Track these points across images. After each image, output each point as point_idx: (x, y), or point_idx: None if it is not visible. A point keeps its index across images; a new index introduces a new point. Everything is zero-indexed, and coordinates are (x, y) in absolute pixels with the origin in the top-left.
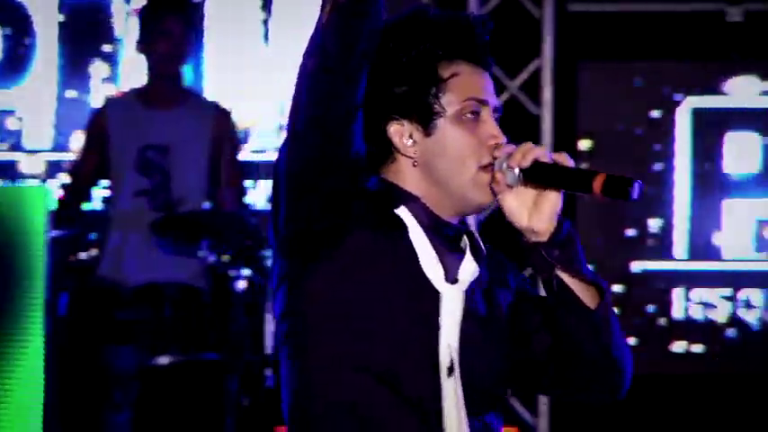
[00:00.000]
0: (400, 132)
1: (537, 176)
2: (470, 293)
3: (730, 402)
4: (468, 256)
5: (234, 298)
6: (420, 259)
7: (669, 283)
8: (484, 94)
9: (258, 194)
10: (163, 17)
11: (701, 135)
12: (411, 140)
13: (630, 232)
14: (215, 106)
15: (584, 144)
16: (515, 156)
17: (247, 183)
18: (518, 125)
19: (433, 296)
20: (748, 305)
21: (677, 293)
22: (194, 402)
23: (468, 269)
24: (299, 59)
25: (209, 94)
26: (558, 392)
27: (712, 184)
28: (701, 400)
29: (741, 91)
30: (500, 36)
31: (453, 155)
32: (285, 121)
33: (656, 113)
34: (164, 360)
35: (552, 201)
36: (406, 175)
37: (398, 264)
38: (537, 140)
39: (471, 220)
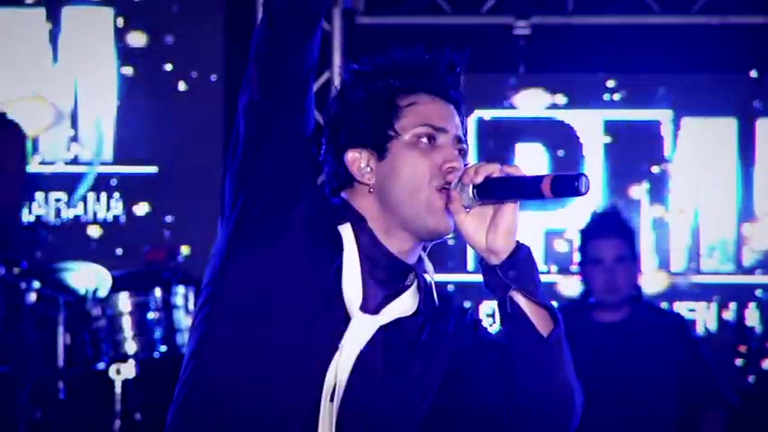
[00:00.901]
0: (357, 160)
1: (490, 192)
2: (391, 330)
3: None
4: (407, 295)
5: (24, 311)
6: (343, 280)
7: (464, 296)
8: (441, 121)
9: (49, 207)
10: None
11: (490, 148)
12: (368, 168)
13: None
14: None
15: None
16: (468, 173)
17: (37, 195)
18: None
19: (344, 320)
20: None
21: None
22: None
23: (399, 307)
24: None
25: None
26: (508, 426)
27: None
28: None
29: (528, 104)
30: None
31: (406, 178)
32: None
33: None
34: None
35: (508, 217)
36: (361, 200)
37: (323, 279)
38: None
39: (426, 261)
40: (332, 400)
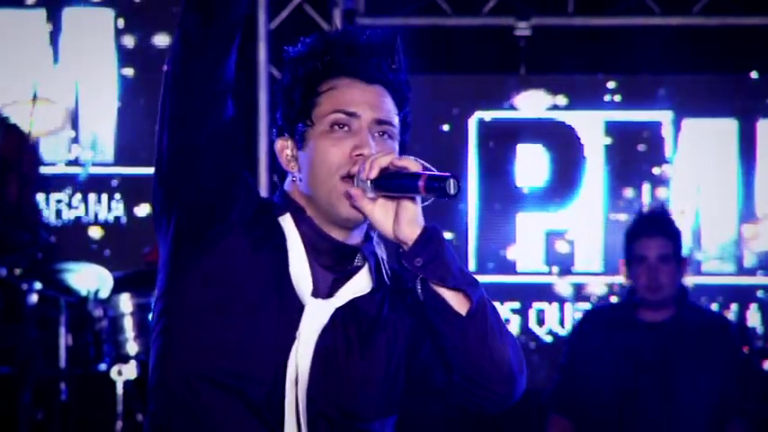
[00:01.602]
0: (283, 148)
1: (383, 186)
2: (348, 311)
3: None
4: (359, 276)
5: (25, 312)
6: (290, 270)
7: None
8: (354, 106)
9: (49, 208)
10: None
11: (491, 149)
12: (292, 156)
13: None
14: (4, 124)
15: None
16: (365, 167)
17: (38, 196)
18: None
19: (298, 308)
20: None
21: None
22: None
23: (352, 288)
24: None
25: None
26: (457, 401)
27: (504, 197)
28: None
29: (529, 105)
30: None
31: (317, 166)
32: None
33: (446, 127)
34: None
35: (408, 208)
36: (294, 189)
37: (271, 272)
38: None
39: (376, 239)
40: (296, 386)
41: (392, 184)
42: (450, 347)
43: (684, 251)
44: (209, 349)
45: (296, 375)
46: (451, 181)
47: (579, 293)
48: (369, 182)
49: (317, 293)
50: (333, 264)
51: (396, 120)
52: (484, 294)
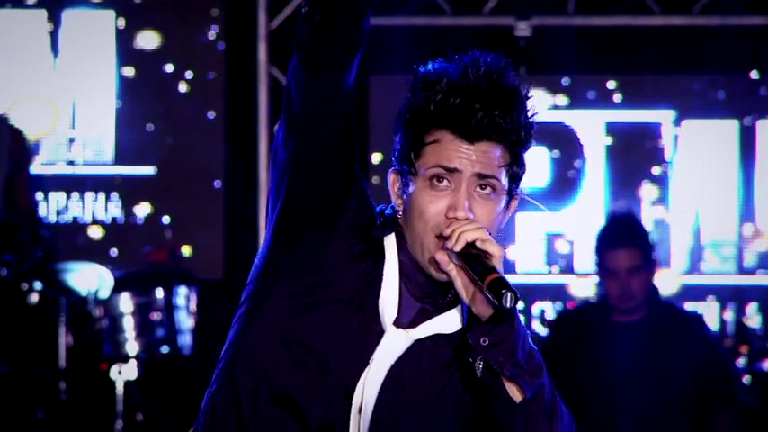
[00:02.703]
0: (394, 182)
1: (464, 262)
2: (428, 346)
3: None
4: (449, 313)
5: (26, 311)
6: (381, 293)
7: None
8: (456, 162)
9: (50, 207)
10: None
11: None
12: (398, 194)
13: None
14: (8, 125)
15: (376, 158)
16: (452, 236)
17: (38, 195)
18: None
19: (377, 333)
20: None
21: None
22: None
23: (438, 323)
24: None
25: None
26: None
27: None
28: None
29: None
30: (288, 52)
31: (416, 218)
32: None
33: None
34: None
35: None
36: (403, 217)
37: (359, 289)
38: None
39: None
40: (360, 413)
41: (469, 265)
42: (503, 423)
43: (654, 254)
44: (277, 344)
45: (361, 401)
46: (509, 294)
47: (579, 293)
48: (453, 252)
49: (399, 322)
50: (423, 295)
51: (503, 173)
52: (545, 383)
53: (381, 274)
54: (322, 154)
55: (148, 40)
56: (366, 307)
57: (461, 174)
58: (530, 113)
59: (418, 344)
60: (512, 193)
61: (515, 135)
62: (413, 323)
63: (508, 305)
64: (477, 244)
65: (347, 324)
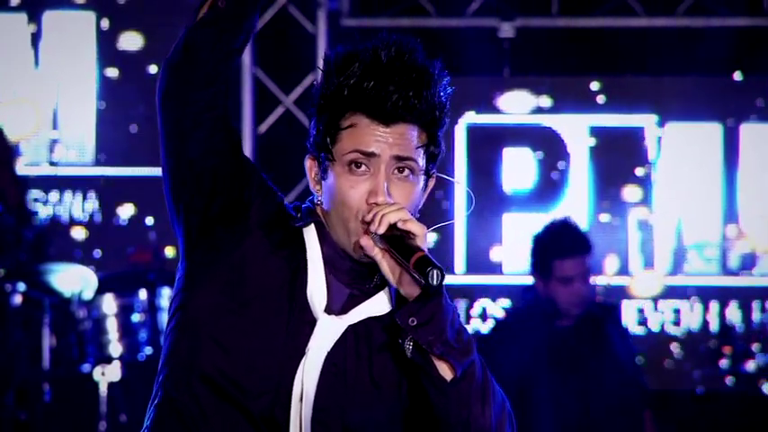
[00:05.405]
0: (311, 168)
1: (388, 244)
2: (362, 330)
3: None
4: (378, 296)
5: (9, 313)
6: (308, 283)
7: (452, 298)
8: (373, 145)
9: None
10: None
11: (478, 151)
12: (316, 180)
13: None
14: None
15: None
16: (374, 219)
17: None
18: (293, 140)
19: (309, 322)
20: None
21: (459, 307)
22: None
23: (369, 307)
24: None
25: None
26: None
27: (491, 199)
28: None
29: (513, 107)
30: (274, 51)
31: (337, 205)
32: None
33: None
34: None
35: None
36: (322, 205)
37: (286, 281)
38: None
39: None
40: (301, 401)
41: (393, 246)
42: (434, 401)
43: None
44: (214, 350)
45: (301, 391)
46: (435, 272)
47: None
48: (377, 235)
49: (330, 309)
50: (350, 281)
51: (420, 153)
52: (476, 361)
53: (305, 265)
54: (208, 159)
55: (132, 41)
56: (296, 296)
57: (379, 158)
58: (442, 92)
59: (352, 329)
60: (429, 172)
61: (430, 115)
62: (344, 309)
63: (434, 282)
64: (399, 225)
65: (278, 317)
